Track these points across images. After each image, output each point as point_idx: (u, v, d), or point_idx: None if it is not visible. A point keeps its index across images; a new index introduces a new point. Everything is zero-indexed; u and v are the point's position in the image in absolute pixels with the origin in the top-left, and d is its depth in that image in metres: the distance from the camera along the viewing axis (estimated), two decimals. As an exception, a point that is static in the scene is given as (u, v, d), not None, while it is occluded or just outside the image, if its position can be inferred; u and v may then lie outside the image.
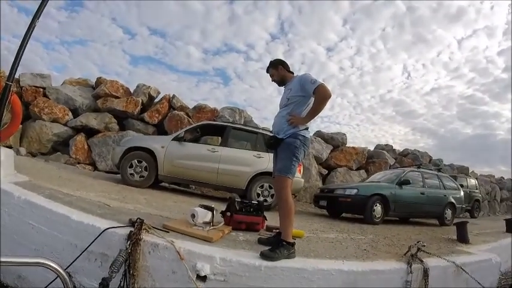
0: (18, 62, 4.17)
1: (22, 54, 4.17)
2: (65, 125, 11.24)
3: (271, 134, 3.51)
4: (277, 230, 3.30)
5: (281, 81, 3.58)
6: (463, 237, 5.50)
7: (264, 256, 2.71)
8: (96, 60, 53.48)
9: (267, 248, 2.86)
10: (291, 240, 2.96)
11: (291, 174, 3.08)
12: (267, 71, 3.63)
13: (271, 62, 3.63)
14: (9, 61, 4.13)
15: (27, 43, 4.19)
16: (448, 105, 66.62)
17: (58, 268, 1.61)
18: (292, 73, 3.60)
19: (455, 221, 7.28)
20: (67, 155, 10.73)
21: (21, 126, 10.05)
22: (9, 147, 7.46)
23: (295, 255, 2.93)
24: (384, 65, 60.90)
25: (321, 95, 3.14)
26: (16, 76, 4.36)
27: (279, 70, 3.55)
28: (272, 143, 3.31)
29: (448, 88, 63.68)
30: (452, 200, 9.16)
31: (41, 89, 11.60)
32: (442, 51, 57.84)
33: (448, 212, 8.98)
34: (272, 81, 3.63)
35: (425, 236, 5.91)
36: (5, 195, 3.24)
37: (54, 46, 50.24)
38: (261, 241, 3.28)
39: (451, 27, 56.89)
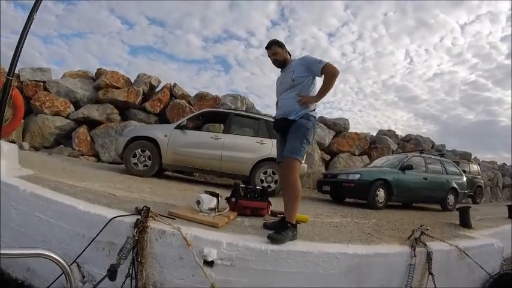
0: (18, 57, 4.16)
1: (21, 48, 4.15)
2: (67, 117, 11.30)
3: (279, 117, 3.37)
4: (282, 215, 3.31)
5: (283, 63, 3.44)
6: (465, 222, 5.51)
7: (271, 239, 2.71)
8: (95, 52, 53.47)
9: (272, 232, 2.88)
10: (294, 222, 2.99)
11: (300, 156, 3.05)
12: (269, 47, 3.43)
13: (275, 40, 3.45)
14: (8, 57, 4.13)
15: (26, 37, 4.17)
16: (451, 91, 66.47)
17: (59, 258, 1.62)
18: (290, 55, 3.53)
19: (458, 206, 7.33)
20: (70, 147, 10.79)
21: (23, 121, 10.10)
22: (12, 142, 7.48)
23: (297, 236, 2.96)
24: (386, 50, 60.61)
25: (330, 73, 3.12)
26: (16, 71, 4.36)
27: (283, 50, 3.43)
28: (284, 125, 3.23)
29: (451, 74, 63.49)
30: (455, 186, 9.19)
31: (42, 83, 11.68)
32: (445, 36, 57.54)
33: (451, 197, 9.02)
34: (273, 60, 3.45)
35: (428, 221, 5.91)
36: (11, 189, 3.26)
37: (53, 40, 50.24)
38: (266, 226, 3.29)
39: (453, 12, 56.52)
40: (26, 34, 4.17)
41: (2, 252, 1.57)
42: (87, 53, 52.52)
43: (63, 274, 2.45)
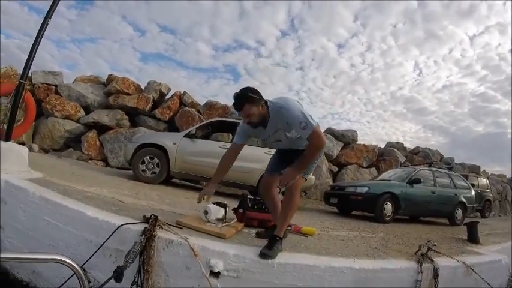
0: (32, 61, 4.23)
1: (35, 53, 4.23)
2: (77, 121, 11.42)
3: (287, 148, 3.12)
4: (290, 228, 3.27)
5: (262, 121, 2.79)
6: (473, 237, 5.46)
7: (264, 255, 2.64)
8: (106, 57, 53.83)
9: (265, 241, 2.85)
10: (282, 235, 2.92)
11: (308, 175, 3.04)
12: (240, 108, 2.68)
13: (245, 95, 2.65)
14: (20, 59, 4.22)
15: (39, 42, 4.25)
16: (460, 102, 65.66)
17: (74, 264, 1.65)
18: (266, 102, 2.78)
19: (466, 220, 7.25)
20: (79, 151, 10.88)
21: (33, 123, 10.20)
22: (22, 144, 7.57)
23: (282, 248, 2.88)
24: (395, 62, 60.05)
25: (315, 145, 2.71)
26: (28, 74, 4.43)
27: (260, 107, 2.70)
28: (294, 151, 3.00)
29: (459, 85, 62.71)
30: (463, 200, 9.05)
31: (53, 87, 11.83)
32: (454, 47, 56.90)
33: (459, 212, 8.89)
34: (247, 122, 2.79)
35: (436, 236, 5.87)
36: (20, 191, 3.30)
37: (65, 44, 50.68)
38: (259, 235, 3.30)
39: (462, 24, 56.05)
40: (40, 39, 4.25)
41: (18, 256, 1.60)
42: (98, 58, 52.96)
43: (71, 278, 2.51)
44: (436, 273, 3.28)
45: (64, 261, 1.61)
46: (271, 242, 2.80)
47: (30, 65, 4.25)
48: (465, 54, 57.53)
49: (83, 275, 1.69)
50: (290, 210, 2.94)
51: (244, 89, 2.70)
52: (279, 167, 3.13)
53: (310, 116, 2.69)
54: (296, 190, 2.92)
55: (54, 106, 11.14)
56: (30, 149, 9.18)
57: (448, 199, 8.72)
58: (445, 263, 3.48)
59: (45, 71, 12.17)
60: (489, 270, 3.91)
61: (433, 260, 3.36)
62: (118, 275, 2.29)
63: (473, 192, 9.85)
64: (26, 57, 4.24)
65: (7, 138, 4.19)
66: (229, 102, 12.78)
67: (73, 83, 12.59)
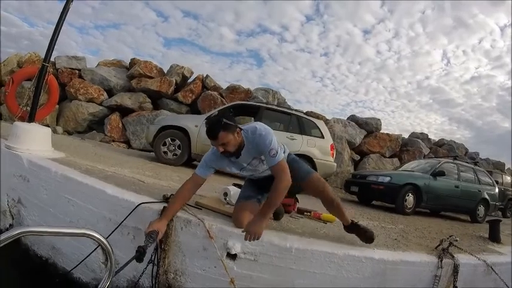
0: (54, 44, 4.30)
1: (57, 36, 4.30)
2: (100, 104, 11.63)
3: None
4: (309, 214, 3.20)
5: (237, 151, 2.57)
6: (495, 236, 5.26)
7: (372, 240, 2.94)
8: (129, 43, 54.35)
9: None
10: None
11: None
12: (214, 137, 2.43)
13: (220, 122, 2.41)
14: (44, 46, 4.26)
15: (62, 25, 4.31)
16: (488, 96, 63.39)
17: (103, 239, 1.66)
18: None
19: (488, 218, 7.05)
20: (102, 133, 11.09)
21: (57, 106, 10.42)
22: (46, 126, 7.75)
23: None
24: (423, 50, 58.21)
25: (281, 180, 2.49)
26: (52, 59, 4.50)
27: (235, 135, 2.49)
28: None
29: (488, 78, 60.49)
30: (486, 197, 8.72)
31: (77, 71, 12.10)
32: (484, 38, 54.85)
33: (481, 209, 8.58)
34: (221, 151, 2.51)
35: (457, 232, 5.69)
36: (42, 170, 3.37)
37: (89, 30, 51.51)
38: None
39: (493, 13, 53.93)
40: (62, 22, 4.31)
41: (49, 230, 1.61)
42: (121, 44, 53.43)
43: (90, 255, 2.54)
44: (456, 269, 3.18)
45: (93, 236, 1.62)
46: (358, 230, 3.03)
47: (53, 47, 4.31)
48: (495, 45, 55.41)
49: (111, 250, 1.69)
50: (335, 202, 2.86)
51: (217, 115, 2.50)
52: (255, 192, 2.99)
53: (281, 149, 2.63)
54: (326, 184, 2.83)
55: (78, 90, 11.38)
56: (55, 131, 9.43)
57: (471, 195, 8.42)
58: (465, 260, 3.37)
59: (69, 55, 12.42)
60: (509, 270, 3.77)
61: (453, 256, 3.25)
62: (140, 255, 2.12)
63: (497, 190, 9.51)
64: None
65: (30, 119, 4.27)
66: (252, 86, 12.75)
67: (96, 67, 12.79)
